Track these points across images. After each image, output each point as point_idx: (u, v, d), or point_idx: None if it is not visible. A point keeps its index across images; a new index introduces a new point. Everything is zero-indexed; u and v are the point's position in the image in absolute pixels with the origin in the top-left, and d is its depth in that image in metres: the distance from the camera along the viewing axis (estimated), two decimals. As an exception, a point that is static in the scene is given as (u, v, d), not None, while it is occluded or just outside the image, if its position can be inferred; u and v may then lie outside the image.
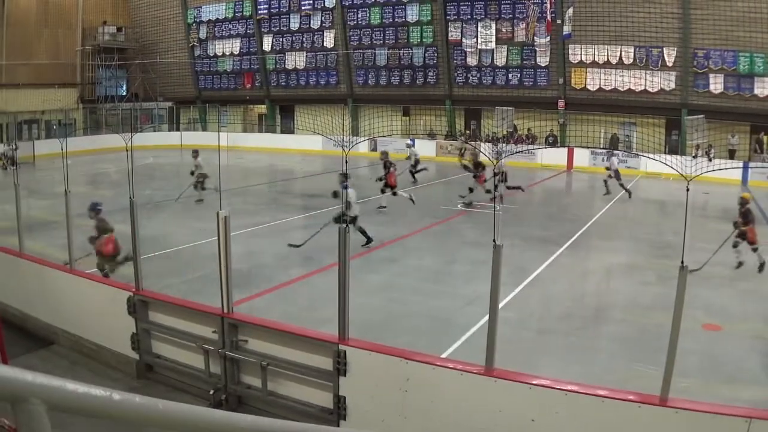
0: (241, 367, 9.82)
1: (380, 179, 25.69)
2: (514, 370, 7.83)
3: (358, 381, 8.53)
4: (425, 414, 8.05)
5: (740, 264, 16.95)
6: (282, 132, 54.49)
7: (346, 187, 17.57)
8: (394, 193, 25.31)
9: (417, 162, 32.10)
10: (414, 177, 31.46)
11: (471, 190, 26.57)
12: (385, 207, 24.81)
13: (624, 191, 28.82)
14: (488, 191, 26.06)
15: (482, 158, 26.74)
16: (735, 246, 17.00)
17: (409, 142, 34.56)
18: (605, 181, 29.44)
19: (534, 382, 7.38)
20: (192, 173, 25.88)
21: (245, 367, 9.76)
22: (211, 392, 9.82)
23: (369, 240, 18.96)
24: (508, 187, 27.29)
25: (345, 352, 8.53)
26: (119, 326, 11.11)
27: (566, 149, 40.32)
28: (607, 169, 29.66)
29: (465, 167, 28.04)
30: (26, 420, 1.65)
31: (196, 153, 26.38)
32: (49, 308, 13.05)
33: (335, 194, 20.49)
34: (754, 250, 17.10)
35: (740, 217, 16.99)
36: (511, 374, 7.62)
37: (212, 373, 9.94)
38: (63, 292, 12.68)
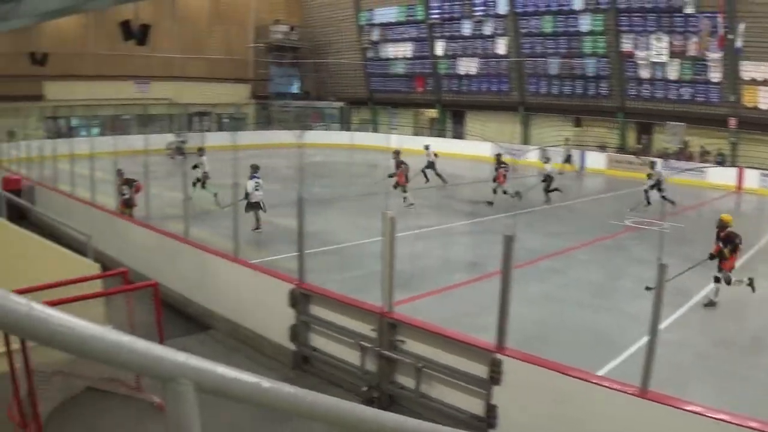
0: (395, 367, 9.85)
1: (390, 176, 27.01)
2: (668, 393, 7.58)
3: (512, 391, 8.43)
4: (575, 430, 7.88)
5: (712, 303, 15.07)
6: (452, 137, 54.36)
7: (252, 178, 20.53)
8: (404, 190, 26.60)
9: (432, 164, 32.56)
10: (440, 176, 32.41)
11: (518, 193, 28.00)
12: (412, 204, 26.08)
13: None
14: (505, 192, 28.02)
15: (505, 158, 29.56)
16: (717, 281, 15.02)
17: (427, 143, 35.09)
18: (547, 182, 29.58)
19: (686, 408, 7.13)
20: (194, 167, 25.81)
21: (400, 367, 9.80)
22: (364, 389, 9.91)
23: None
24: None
25: (501, 361, 8.45)
26: (279, 317, 11.36)
27: (736, 169, 38.76)
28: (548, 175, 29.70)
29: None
30: (174, 398, 1.69)
31: (201, 152, 26.79)
32: (209, 294, 13.50)
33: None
34: (728, 282, 14.98)
35: (720, 243, 15.04)
36: (664, 397, 7.38)
37: (367, 370, 10.04)
38: (225, 280, 13.06)
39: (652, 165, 29.68)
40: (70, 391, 9.12)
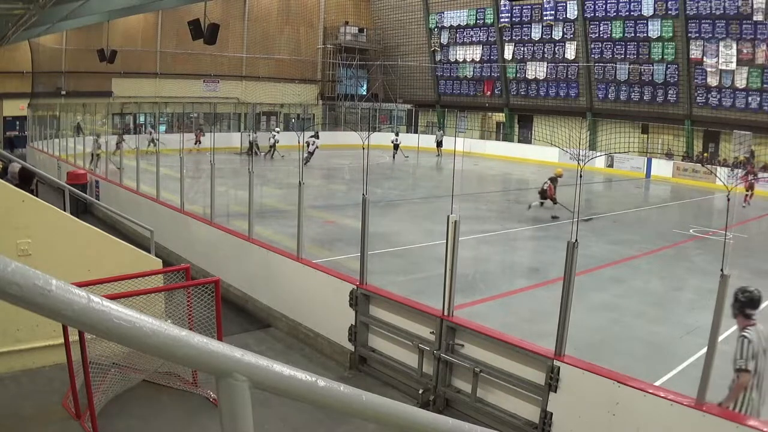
0: (453, 371, 9.82)
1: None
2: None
3: (568, 399, 8.36)
4: (630, 439, 7.80)
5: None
6: (519, 141, 54.18)
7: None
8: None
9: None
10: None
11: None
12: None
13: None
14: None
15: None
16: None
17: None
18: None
19: (742, 422, 7.00)
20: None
21: (457, 371, 9.76)
22: (421, 392, 9.89)
23: None
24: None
25: (559, 368, 8.38)
26: (339, 317, 11.39)
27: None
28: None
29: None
30: (227, 393, 1.70)
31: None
32: (271, 292, 13.59)
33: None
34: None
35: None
36: (720, 410, 7.26)
37: (424, 372, 10.02)
38: (287, 279, 13.12)
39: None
40: (126, 384, 9.22)
